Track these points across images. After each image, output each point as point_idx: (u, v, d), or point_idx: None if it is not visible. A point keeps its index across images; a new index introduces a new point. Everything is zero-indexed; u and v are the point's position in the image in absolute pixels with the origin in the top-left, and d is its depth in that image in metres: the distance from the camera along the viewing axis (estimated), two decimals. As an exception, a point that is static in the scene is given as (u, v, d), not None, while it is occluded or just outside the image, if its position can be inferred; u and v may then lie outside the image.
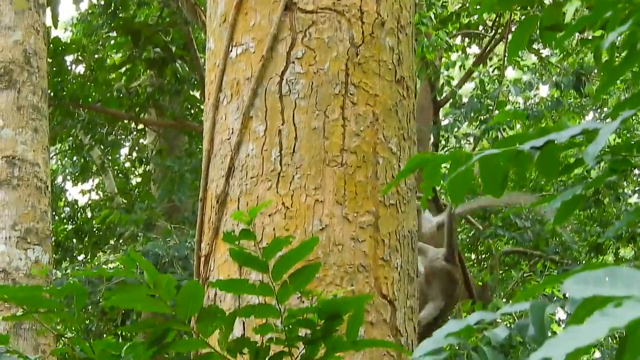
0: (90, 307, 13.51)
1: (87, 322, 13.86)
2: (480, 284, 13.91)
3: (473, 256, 15.90)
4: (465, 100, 16.19)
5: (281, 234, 4.35)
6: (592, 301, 1.60)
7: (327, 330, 2.97)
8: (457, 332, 2.11)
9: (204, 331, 2.98)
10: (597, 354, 13.68)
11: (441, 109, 16.84)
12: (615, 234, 13.78)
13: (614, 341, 13.44)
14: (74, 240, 15.57)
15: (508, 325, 2.21)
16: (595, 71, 14.70)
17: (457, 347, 2.27)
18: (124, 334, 14.23)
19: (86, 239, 15.52)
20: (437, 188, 11.50)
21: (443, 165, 2.30)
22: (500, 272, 14.97)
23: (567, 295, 1.71)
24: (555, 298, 11.61)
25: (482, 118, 15.24)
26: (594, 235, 14.55)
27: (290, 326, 2.99)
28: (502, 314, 2.18)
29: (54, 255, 9.15)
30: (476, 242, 15.49)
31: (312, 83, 4.53)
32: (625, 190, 15.41)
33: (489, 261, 15.25)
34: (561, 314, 13.92)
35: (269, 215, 4.44)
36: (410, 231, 4.68)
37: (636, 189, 16.01)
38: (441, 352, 2.12)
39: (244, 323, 4.30)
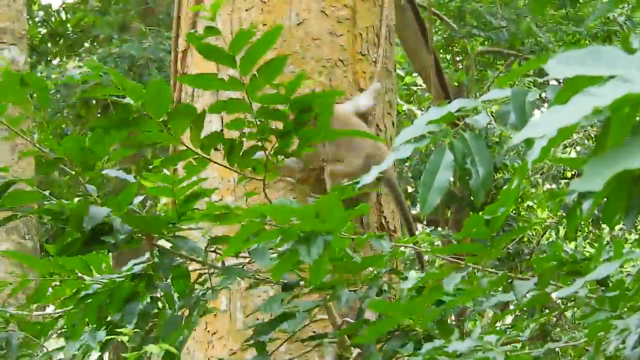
0: (65, 111, 13.46)
1: (62, 125, 13.82)
2: (456, 84, 13.92)
3: (448, 56, 15.85)
4: None
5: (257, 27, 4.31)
6: (574, 83, 1.59)
7: (299, 123, 2.98)
8: (438, 119, 2.12)
9: (176, 129, 2.97)
10: (573, 154, 13.84)
11: None
12: (591, 33, 13.72)
13: (591, 141, 13.58)
14: (49, 44, 15.36)
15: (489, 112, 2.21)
16: None
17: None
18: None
19: (61, 42, 15.30)
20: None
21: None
22: (476, 72, 14.95)
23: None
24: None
25: None
26: (570, 34, 14.49)
27: (262, 120, 2.99)
28: (483, 101, 2.18)
29: (28, 59, 9.05)
30: (451, 42, 15.40)
31: None
32: (603, -11, 15.22)
33: (465, 61, 15.21)
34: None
35: (246, 10, 4.39)
36: (388, 25, 4.65)
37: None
38: (422, 139, 2.12)
39: (222, 120, 4.31)
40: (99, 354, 3.32)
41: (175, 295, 3.07)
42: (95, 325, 3.16)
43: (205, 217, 2.79)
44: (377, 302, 2.82)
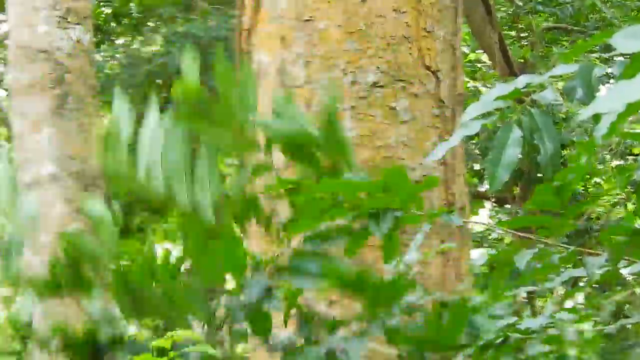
0: (130, 91, 13.57)
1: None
2: (521, 60, 13.81)
3: (513, 33, 15.70)
4: None
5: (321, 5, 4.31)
6: (642, 57, 1.57)
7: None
8: (505, 95, 2.11)
9: None
10: None
11: None
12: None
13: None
14: (113, 24, 15.50)
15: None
16: None
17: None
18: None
19: (125, 21, 15.42)
20: None
21: None
22: (541, 48, 14.82)
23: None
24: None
25: None
26: (635, 10, 14.31)
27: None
28: (550, 77, 2.17)
29: (93, 39, 9.10)
30: (516, 19, 15.28)
31: None
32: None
33: (530, 38, 15.09)
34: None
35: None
36: (453, 1, 4.62)
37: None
38: (490, 115, 2.12)
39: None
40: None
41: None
42: None
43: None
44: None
